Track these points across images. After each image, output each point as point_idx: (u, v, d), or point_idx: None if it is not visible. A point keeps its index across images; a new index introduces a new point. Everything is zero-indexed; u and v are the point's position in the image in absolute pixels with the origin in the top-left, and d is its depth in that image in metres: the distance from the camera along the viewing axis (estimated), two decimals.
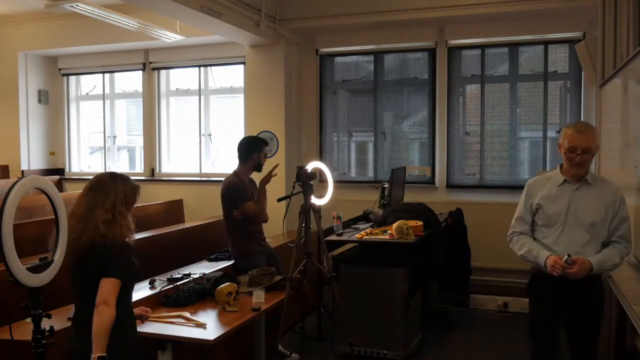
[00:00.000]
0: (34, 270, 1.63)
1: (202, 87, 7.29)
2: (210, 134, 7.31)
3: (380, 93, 6.55)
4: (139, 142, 7.78)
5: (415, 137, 6.56)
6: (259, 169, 4.32)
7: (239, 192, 4.15)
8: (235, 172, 4.29)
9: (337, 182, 6.33)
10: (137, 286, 3.51)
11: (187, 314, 3.13)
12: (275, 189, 4.95)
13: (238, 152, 4.31)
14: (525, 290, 3.15)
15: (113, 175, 2.36)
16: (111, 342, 2.19)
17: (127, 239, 2.32)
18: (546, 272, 2.79)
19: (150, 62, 7.41)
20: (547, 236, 2.90)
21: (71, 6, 5.28)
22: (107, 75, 7.82)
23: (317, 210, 3.97)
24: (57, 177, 7.77)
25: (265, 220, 4.31)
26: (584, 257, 2.74)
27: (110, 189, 2.29)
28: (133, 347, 2.37)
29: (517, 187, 5.02)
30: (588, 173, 2.87)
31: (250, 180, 4.37)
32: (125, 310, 2.35)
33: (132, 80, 7.73)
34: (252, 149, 4.27)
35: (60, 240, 1.79)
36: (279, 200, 4.18)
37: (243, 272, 3.94)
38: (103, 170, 7.71)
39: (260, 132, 6.38)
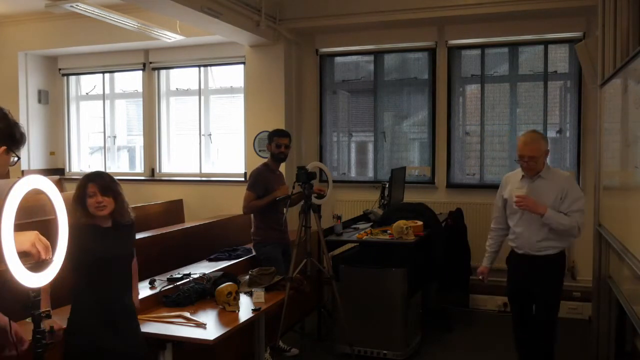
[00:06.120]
0: (34, 270, 1.63)
1: (202, 87, 7.28)
2: (210, 134, 7.31)
3: (380, 93, 6.55)
4: (139, 142, 7.78)
5: (415, 137, 6.56)
6: (275, 157, 4.48)
7: (252, 177, 4.41)
8: (265, 162, 4.55)
9: (337, 182, 6.35)
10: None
11: (187, 314, 3.13)
12: None
13: None
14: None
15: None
16: (71, 317, 2.57)
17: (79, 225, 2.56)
18: (518, 252, 3.56)
19: (150, 62, 7.41)
20: (512, 219, 3.58)
21: (71, 6, 5.28)
22: (107, 75, 7.82)
23: (317, 210, 3.99)
24: (57, 177, 7.75)
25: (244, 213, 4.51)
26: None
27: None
28: (93, 326, 2.55)
29: None
30: (543, 169, 3.47)
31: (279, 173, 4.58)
32: (87, 292, 2.59)
33: (132, 80, 7.72)
34: (268, 140, 4.55)
35: (60, 240, 1.79)
36: (278, 200, 4.19)
37: (258, 258, 4.38)
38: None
39: (260, 132, 6.37)
